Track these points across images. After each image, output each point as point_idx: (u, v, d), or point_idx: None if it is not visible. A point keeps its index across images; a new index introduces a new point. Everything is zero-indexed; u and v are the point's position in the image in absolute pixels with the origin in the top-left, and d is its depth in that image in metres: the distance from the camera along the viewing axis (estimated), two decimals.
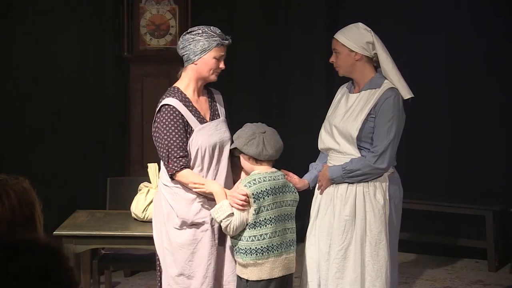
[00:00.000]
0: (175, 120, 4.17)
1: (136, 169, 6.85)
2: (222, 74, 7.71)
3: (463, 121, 7.49)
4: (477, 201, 7.19)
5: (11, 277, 1.83)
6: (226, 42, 4.27)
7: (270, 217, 4.20)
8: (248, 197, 4.16)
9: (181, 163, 4.16)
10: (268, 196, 4.20)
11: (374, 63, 4.55)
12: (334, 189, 4.49)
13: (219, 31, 4.28)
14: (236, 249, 4.24)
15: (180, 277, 4.25)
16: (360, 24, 4.57)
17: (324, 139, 4.57)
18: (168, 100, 4.20)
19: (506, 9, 7.24)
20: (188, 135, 4.21)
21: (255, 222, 4.17)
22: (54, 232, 4.95)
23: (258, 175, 4.23)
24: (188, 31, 4.30)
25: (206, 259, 4.23)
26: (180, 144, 4.17)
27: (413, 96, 4.48)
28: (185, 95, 4.25)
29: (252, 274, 4.22)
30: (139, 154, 6.89)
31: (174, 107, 4.18)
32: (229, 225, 4.14)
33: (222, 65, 4.30)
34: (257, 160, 4.25)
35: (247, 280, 4.23)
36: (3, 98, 7.00)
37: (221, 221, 4.16)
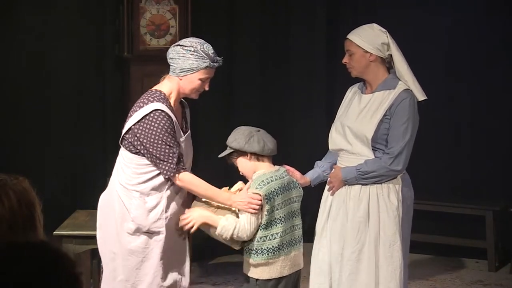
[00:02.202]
0: (168, 124, 4.00)
1: None
2: (221, 74, 7.71)
3: (463, 121, 7.49)
4: (477, 201, 7.19)
5: (14, 280, 1.82)
6: (216, 64, 4.13)
7: (280, 216, 4.19)
8: (262, 199, 4.13)
9: (183, 165, 4.05)
10: (278, 196, 4.18)
11: (387, 64, 4.53)
12: (347, 191, 4.46)
13: (212, 51, 4.13)
14: (246, 250, 4.22)
15: (125, 283, 4.11)
16: (374, 24, 4.54)
17: (336, 140, 4.53)
18: (158, 105, 4.02)
19: (506, 10, 7.24)
20: None
21: (267, 222, 4.15)
22: (54, 232, 4.96)
23: (265, 175, 4.19)
24: (181, 43, 4.16)
25: (154, 269, 4.09)
26: (177, 147, 4.04)
27: (426, 98, 4.48)
28: (169, 102, 4.10)
29: (263, 273, 4.20)
30: None
31: (166, 113, 4.02)
32: (239, 234, 4.11)
33: (206, 87, 4.17)
34: (259, 157, 4.22)
35: (256, 279, 4.22)
36: (2, 98, 7.00)
37: (230, 236, 4.13)
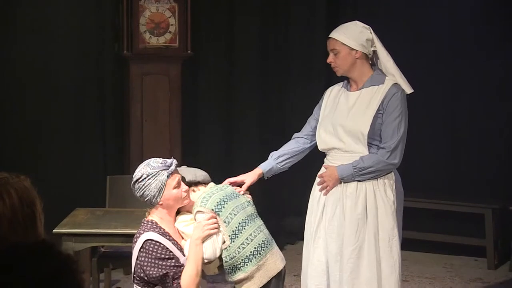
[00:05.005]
0: (160, 251, 3.99)
1: (136, 167, 6.84)
2: (221, 74, 7.70)
3: (463, 120, 7.50)
4: (477, 199, 7.20)
5: (21, 281, 1.82)
6: (174, 167, 4.08)
7: (242, 220, 4.08)
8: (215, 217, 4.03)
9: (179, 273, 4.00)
10: (226, 204, 4.07)
11: (370, 60, 4.53)
12: (342, 189, 4.43)
13: (161, 161, 4.08)
14: (232, 269, 4.09)
15: None
16: (357, 22, 4.53)
17: (326, 139, 4.49)
18: (148, 235, 4.02)
19: (505, 10, 7.26)
20: None
21: (233, 231, 4.04)
22: (53, 230, 4.95)
23: (204, 193, 4.12)
24: (134, 180, 4.10)
25: None
26: (174, 265, 4.01)
27: (413, 91, 4.48)
28: (163, 229, 4.07)
29: (261, 278, 4.07)
30: (139, 152, 6.90)
31: (157, 241, 4.00)
32: (207, 256, 4.05)
33: (185, 188, 4.11)
34: (197, 184, 4.17)
35: None
36: (2, 96, 7.00)
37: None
